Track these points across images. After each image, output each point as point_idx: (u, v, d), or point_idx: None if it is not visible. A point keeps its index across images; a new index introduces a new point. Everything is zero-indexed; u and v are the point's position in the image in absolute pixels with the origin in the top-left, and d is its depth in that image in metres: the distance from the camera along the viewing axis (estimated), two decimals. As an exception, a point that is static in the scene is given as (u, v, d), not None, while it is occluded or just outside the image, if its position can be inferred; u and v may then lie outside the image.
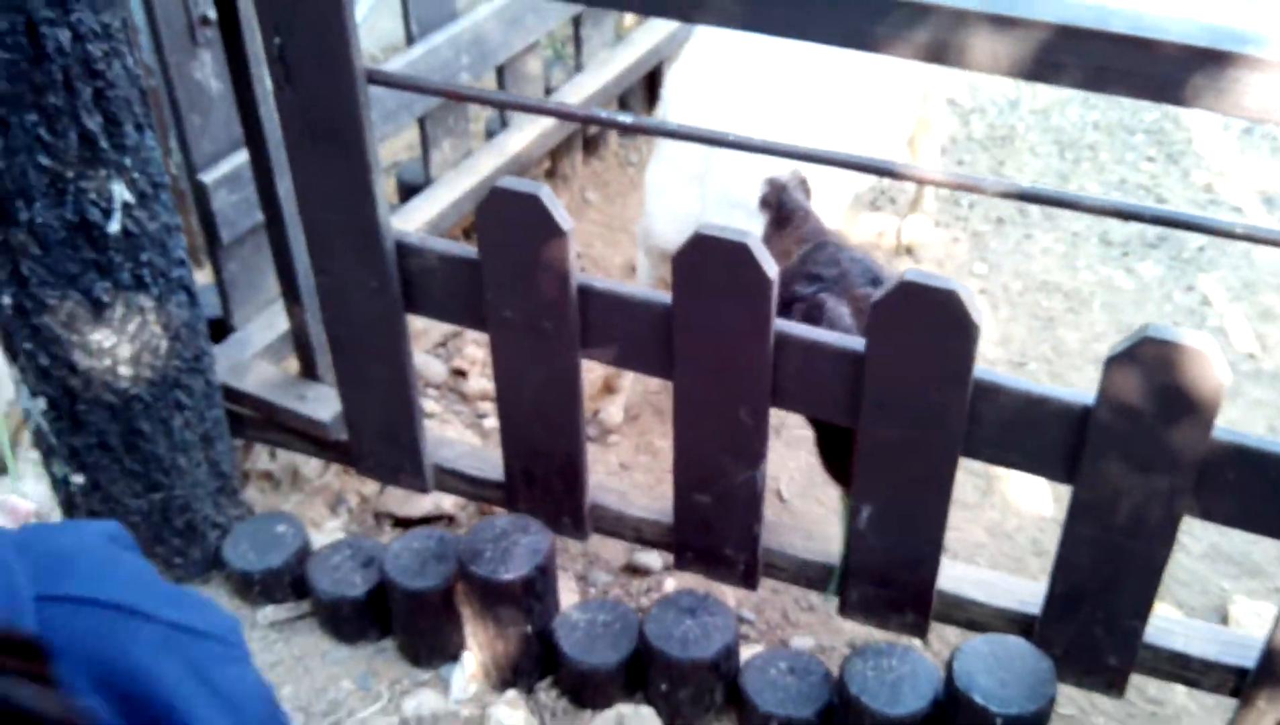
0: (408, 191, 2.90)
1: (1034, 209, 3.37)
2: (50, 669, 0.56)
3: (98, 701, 0.66)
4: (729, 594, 2.20)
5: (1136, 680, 1.79)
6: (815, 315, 1.70)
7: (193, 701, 0.70)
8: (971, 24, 1.28)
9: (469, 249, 1.75)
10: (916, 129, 2.99)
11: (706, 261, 1.56)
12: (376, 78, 1.68)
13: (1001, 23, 1.27)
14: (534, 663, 1.85)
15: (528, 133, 2.94)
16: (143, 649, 0.69)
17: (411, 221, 2.63)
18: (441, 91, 1.76)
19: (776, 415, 2.65)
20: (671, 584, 2.25)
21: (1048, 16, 1.25)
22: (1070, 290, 3.05)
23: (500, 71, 2.88)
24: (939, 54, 1.32)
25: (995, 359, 2.84)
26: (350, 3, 1.58)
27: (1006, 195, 1.43)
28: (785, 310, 1.72)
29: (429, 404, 2.59)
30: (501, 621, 1.79)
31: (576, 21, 3.12)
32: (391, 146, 3.30)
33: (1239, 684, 1.64)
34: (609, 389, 2.63)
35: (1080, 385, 2.77)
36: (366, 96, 1.66)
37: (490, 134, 3.04)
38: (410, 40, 2.64)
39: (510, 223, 1.64)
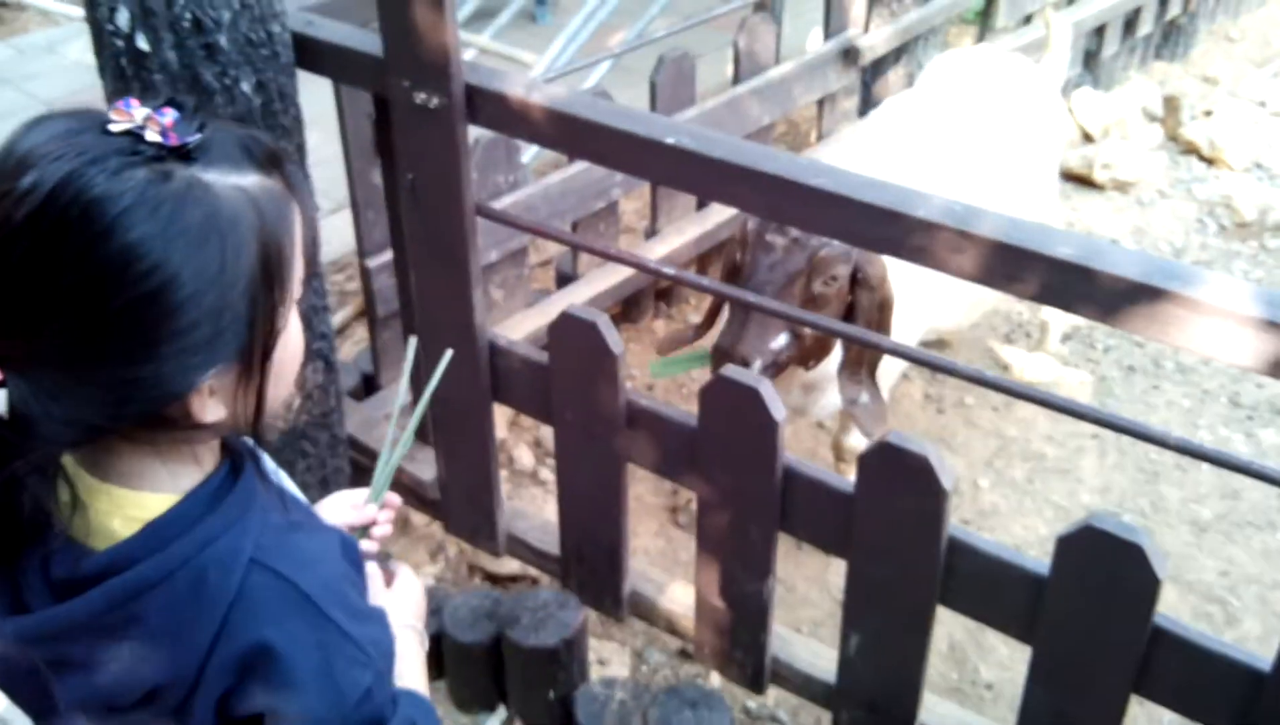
0: (563, 280, 3.24)
1: (1168, 362, 3.36)
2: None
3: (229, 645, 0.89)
4: (771, 689, 2.38)
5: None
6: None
7: (304, 670, 0.89)
8: (937, 234, 1.46)
9: (544, 355, 2.04)
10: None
11: (724, 398, 1.78)
12: (484, 211, 2.00)
13: (962, 236, 1.44)
14: (555, 725, 2.10)
15: (670, 242, 3.24)
16: (295, 624, 0.90)
17: (559, 305, 2.96)
18: (530, 229, 2.07)
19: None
20: (717, 680, 2.44)
21: (999, 236, 1.42)
22: (1184, 448, 3.03)
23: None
24: (916, 256, 1.50)
25: (1089, 504, 2.87)
26: (466, 151, 1.92)
27: (930, 368, 1.59)
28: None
29: (525, 479, 2.88)
30: (529, 683, 2.05)
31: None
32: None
33: None
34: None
35: (1172, 545, 2.77)
36: (474, 225, 1.98)
37: (648, 236, 3.33)
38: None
39: (572, 343, 1.92)
